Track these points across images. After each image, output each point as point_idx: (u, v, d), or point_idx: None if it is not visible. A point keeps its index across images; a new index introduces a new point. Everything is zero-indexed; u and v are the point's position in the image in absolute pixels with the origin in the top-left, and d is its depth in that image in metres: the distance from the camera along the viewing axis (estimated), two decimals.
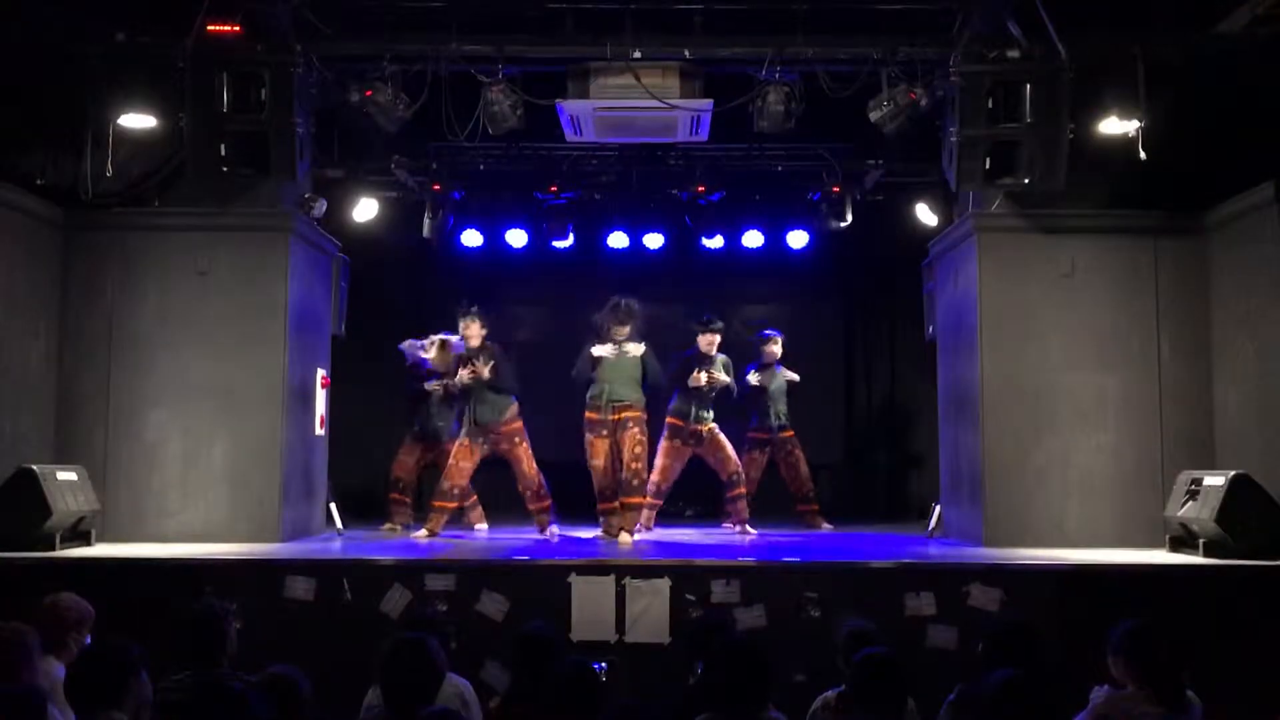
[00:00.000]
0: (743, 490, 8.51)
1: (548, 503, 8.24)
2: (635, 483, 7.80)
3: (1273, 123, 6.82)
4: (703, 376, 8.20)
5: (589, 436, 7.92)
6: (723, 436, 8.47)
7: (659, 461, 8.39)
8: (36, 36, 6.77)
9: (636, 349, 7.94)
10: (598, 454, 7.89)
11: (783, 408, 9.49)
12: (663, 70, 6.91)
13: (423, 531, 8.09)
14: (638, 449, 7.81)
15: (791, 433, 9.49)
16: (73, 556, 6.42)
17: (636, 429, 7.83)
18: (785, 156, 9.55)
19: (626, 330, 7.94)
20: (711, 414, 8.45)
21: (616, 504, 7.86)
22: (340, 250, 8.82)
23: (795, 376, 9.57)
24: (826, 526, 9.27)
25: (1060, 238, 7.64)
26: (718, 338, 8.48)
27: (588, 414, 7.95)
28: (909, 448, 11.20)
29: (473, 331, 8.15)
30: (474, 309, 8.19)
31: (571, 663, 3.71)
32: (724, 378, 8.36)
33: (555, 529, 8.17)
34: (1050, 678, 3.71)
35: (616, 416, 7.83)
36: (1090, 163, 7.10)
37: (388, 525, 8.76)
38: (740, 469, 8.56)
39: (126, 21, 6.81)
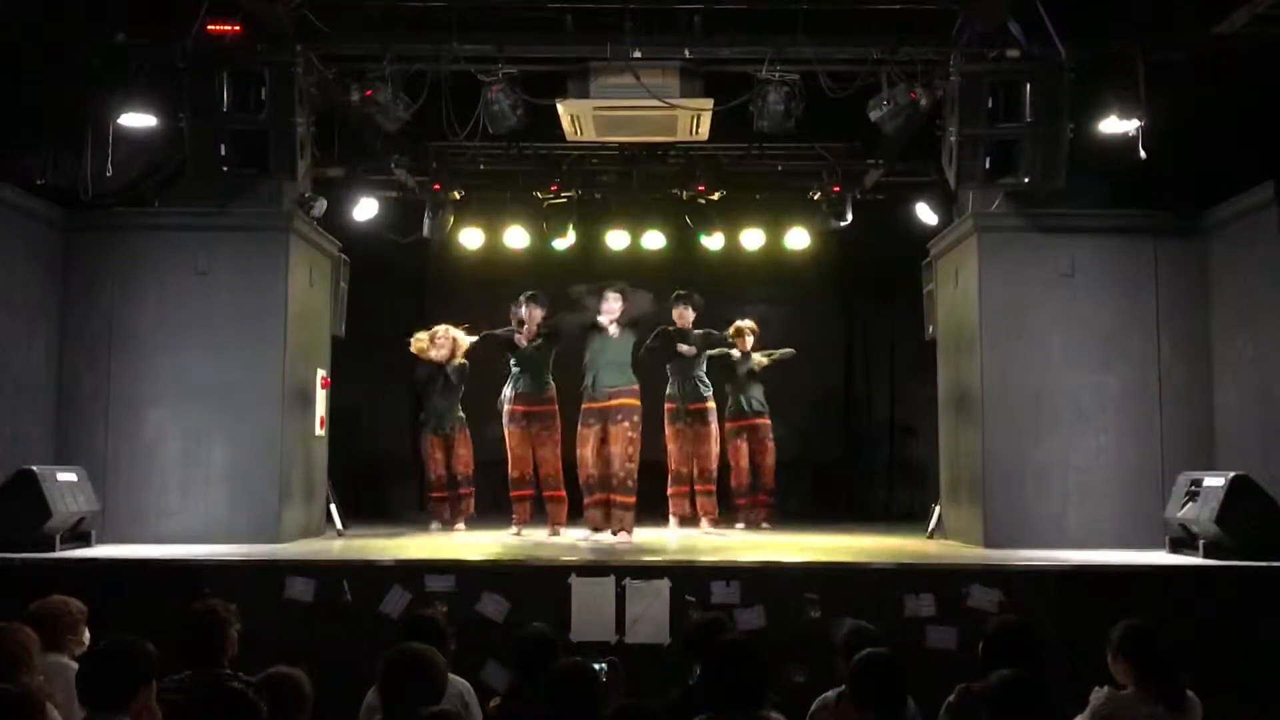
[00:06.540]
0: (706, 488, 8.56)
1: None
2: (629, 483, 7.67)
3: (1273, 123, 6.82)
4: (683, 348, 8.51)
5: (579, 426, 7.83)
6: (713, 430, 8.46)
7: (668, 448, 8.45)
8: (36, 36, 6.76)
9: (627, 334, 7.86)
10: (584, 443, 7.78)
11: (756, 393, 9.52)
12: (663, 70, 6.91)
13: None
14: (630, 449, 7.65)
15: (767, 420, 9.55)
16: (73, 557, 6.41)
17: (627, 423, 7.64)
18: (785, 156, 9.55)
19: (616, 311, 7.81)
20: (705, 391, 8.55)
21: (602, 498, 7.74)
22: (340, 250, 8.82)
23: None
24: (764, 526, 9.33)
25: (1060, 238, 7.63)
26: (690, 312, 8.62)
27: (582, 404, 7.87)
28: (909, 448, 11.20)
29: (534, 317, 8.23)
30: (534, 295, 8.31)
31: (571, 663, 3.71)
32: (687, 347, 8.61)
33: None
34: (1050, 678, 3.71)
35: (607, 403, 7.69)
36: (1090, 163, 7.10)
37: (437, 525, 8.83)
38: (711, 470, 8.51)
39: (126, 21, 6.79)
